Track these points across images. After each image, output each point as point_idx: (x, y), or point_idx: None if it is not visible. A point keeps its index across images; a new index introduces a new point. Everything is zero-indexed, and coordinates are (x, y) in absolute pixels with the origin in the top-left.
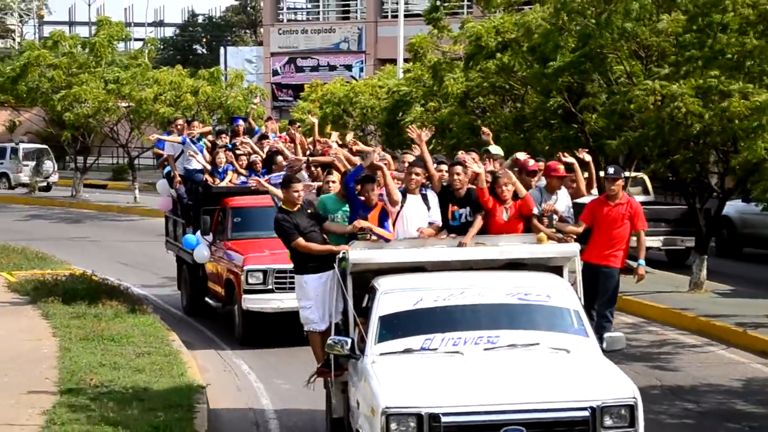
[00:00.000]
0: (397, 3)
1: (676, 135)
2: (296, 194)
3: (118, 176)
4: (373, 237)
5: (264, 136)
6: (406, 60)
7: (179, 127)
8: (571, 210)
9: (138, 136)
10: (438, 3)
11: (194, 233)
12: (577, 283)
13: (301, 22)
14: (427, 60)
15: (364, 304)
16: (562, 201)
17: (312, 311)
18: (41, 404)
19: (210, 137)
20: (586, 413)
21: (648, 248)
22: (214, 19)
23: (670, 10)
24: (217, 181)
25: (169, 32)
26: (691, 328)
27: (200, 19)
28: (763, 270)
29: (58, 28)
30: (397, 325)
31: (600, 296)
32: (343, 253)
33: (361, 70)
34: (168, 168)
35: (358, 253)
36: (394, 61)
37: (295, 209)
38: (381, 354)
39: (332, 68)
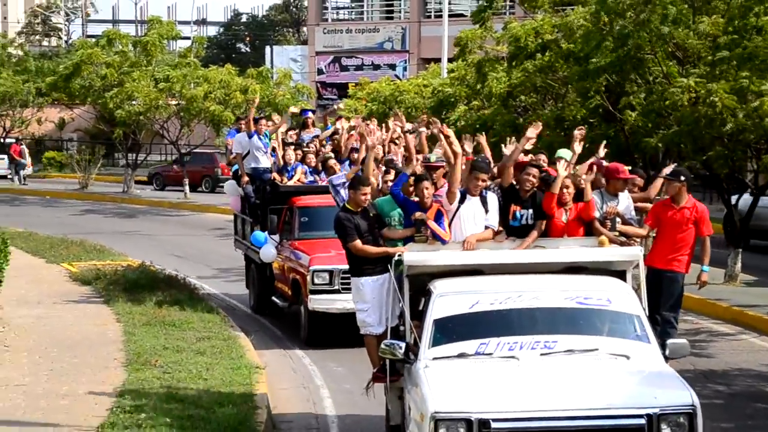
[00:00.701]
0: (440, 3)
1: (710, 132)
2: (364, 197)
3: None
4: (430, 237)
5: (336, 133)
6: (449, 60)
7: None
8: (633, 212)
9: (188, 134)
10: (485, 4)
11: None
12: (641, 288)
13: (346, 22)
14: (471, 58)
15: (420, 308)
16: (623, 203)
17: (369, 314)
18: (111, 381)
19: (281, 130)
20: (642, 421)
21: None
22: (257, 18)
23: (708, 13)
24: (285, 179)
25: (211, 30)
26: (725, 317)
27: (244, 18)
28: None
29: (102, 26)
30: (452, 329)
31: (664, 301)
32: (399, 255)
33: (405, 69)
34: (236, 166)
35: (413, 256)
36: (436, 61)
37: (359, 210)
38: (434, 358)
39: (376, 67)
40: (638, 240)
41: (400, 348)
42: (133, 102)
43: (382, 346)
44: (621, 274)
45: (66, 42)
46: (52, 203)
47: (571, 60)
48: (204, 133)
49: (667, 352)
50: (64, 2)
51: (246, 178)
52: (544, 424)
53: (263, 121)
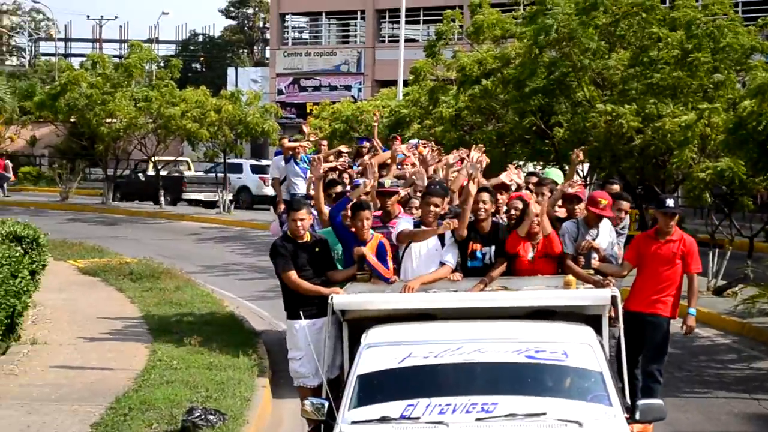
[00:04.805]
0: (392, 29)
1: (621, 146)
2: (294, 224)
3: None
4: (374, 276)
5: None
6: (404, 82)
7: (284, 146)
8: (615, 247)
9: (163, 149)
10: (435, 40)
11: None
12: (620, 336)
13: (305, 46)
14: (425, 83)
15: None
16: (603, 236)
17: (302, 364)
18: (142, 342)
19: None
20: None
21: None
22: (213, 39)
23: (623, 46)
24: None
25: (163, 49)
26: None
27: (200, 38)
28: None
29: (56, 45)
30: (378, 387)
31: (646, 351)
32: (331, 297)
33: (360, 90)
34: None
35: (343, 299)
36: (390, 83)
37: (302, 241)
38: (353, 422)
39: (333, 88)
40: (614, 280)
41: (323, 407)
42: (115, 120)
43: (305, 404)
44: (596, 319)
45: (29, 62)
46: (37, 213)
47: (510, 85)
48: (179, 148)
49: (638, 415)
50: (28, 24)
51: (282, 205)
52: None
53: (303, 144)
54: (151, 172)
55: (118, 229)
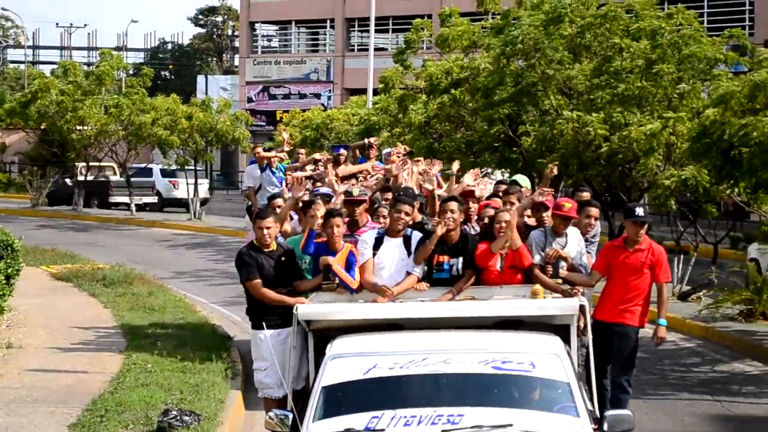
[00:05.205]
0: (361, 37)
1: (589, 154)
2: (260, 232)
3: None
4: (338, 285)
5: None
6: (374, 91)
7: (259, 155)
8: (584, 257)
9: (134, 155)
10: (405, 48)
11: None
12: (589, 346)
13: (274, 54)
14: (394, 92)
15: None
16: (572, 245)
17: (267, 374)
18: (117, 347)
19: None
20: None
21: None
22: (183, 47)
23: (588, 56)
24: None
25: (132, 57)
26: None
27: (169, 46)
28: None
29: (25, 52)
30: (342, 399)
31: (615, 361)
32: (296, 307)
33: (329, 98)
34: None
35: (308, 309)
36: (359, 91)
37: (268, 250)
38: None
39: (302, 96)
40: (581, 289)
41: (287, 419)
42: (86, 127)
43: (268, 416)
44: (565, 329)
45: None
46: (8, 219)
47: (478, 94)
48: (149, 155)
49: (605, 426)
50: None
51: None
52: None
53: (276, 154)
54: (81, 177)
55: (89, 235)
